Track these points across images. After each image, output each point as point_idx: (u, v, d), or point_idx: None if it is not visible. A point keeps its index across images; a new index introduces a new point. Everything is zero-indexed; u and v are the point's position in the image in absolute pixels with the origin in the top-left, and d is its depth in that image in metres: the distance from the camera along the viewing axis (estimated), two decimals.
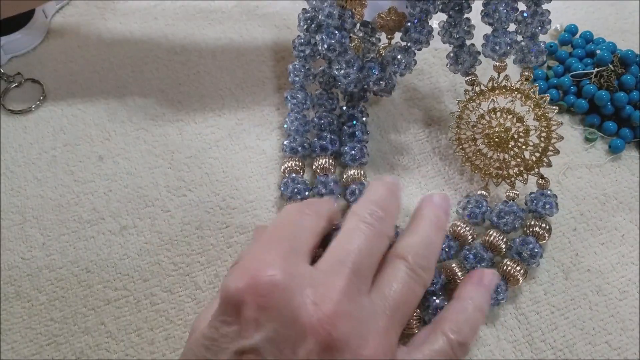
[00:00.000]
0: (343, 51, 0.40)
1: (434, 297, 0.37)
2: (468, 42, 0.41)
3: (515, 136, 0.40)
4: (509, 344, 0.37)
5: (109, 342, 0.37)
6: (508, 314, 0.38)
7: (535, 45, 0.39)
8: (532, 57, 0.39)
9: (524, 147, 0.40)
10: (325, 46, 0.40)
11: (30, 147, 0.45)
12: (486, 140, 0.41)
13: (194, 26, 0.53)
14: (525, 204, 0.41)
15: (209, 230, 0.41)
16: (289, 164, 0.43)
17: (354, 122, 0.44)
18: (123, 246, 0.41)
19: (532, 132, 0.40)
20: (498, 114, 0.40)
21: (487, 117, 0.41)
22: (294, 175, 0.42)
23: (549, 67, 0.49)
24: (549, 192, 0.40)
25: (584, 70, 0.47)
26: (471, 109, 0.41)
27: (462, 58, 0.40)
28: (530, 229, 0.39)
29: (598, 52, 0.47)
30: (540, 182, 0.40)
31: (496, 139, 0.40)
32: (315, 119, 0.44)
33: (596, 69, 0.46)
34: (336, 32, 0.39)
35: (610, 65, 0.46)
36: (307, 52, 0.43)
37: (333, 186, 0.41)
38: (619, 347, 0.37)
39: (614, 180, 0.43)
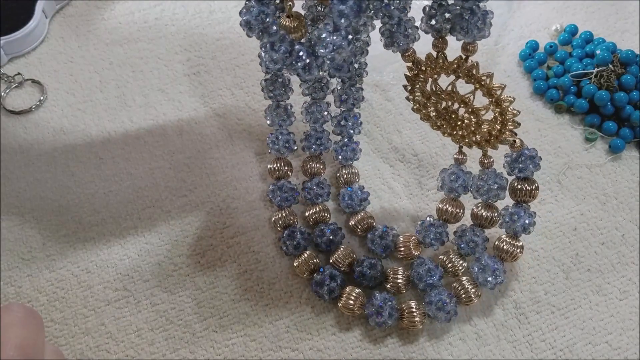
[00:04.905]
0: (264, 29, 0.34)
1: (435, 291, 0.36)
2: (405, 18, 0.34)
3: (466, 115, 0.36)
4: (509, 344, 0.37)
5: (109, 343, 0.37)
6: (508, 314, 0.38)
7: (473, 16, 0.32)
8: (474, 29, 0.32)
9: (475, 125, 0.36)
10: (244, 23, 0.34)
11: (30, 147, 0.45)
12: (440, 118, 0.37)
13: (194, 26, 0.53)
14: (503, 166, 0.37)
15: (209, 231, 0.41)
16: (275, 166, 0.42)
17: (347, 121, 0.43)
18: (123, 247, 0.41)
19: (483, 112, 0.35)
20: (443, 95, 0.36)
21: (432, 99, 0.37)
22: (282, 181, 0.42)
23: (549, 67, 0.49)
24: (525, 152, 0.36)
25: (584, 70, 0.47)
26: (418, 85, 0.37)
27: (397, 38, 0.34)
28: (517, 192, 0.36)
29: (598, 52, 0.47)
30: (514, 145, 0.36)
31: (446, 119, 0.37)
32: (306, 123, 0.43)
33: (596, 69, 0.46)
34: (254, 5, 0.34)
35: (610, 65, 0.46)
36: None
37: (317, 191, 0.41)
38: (619, 347, 0.37)
39: (614, 180, 0.43)
